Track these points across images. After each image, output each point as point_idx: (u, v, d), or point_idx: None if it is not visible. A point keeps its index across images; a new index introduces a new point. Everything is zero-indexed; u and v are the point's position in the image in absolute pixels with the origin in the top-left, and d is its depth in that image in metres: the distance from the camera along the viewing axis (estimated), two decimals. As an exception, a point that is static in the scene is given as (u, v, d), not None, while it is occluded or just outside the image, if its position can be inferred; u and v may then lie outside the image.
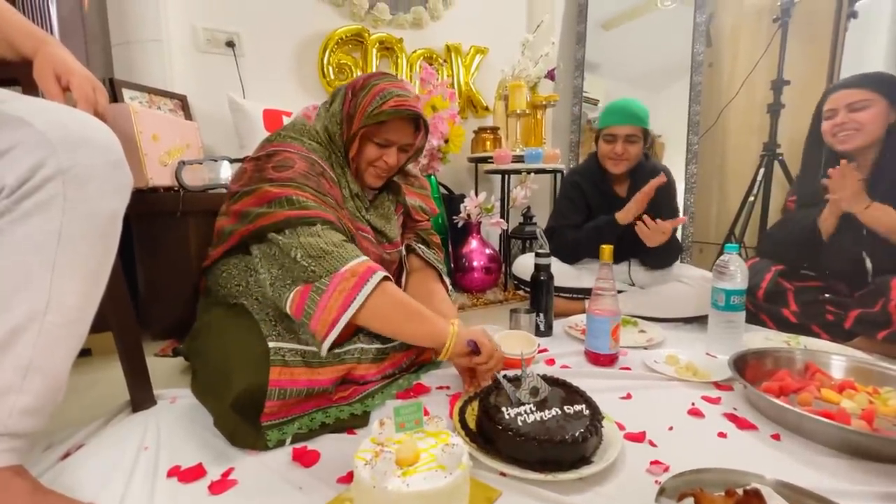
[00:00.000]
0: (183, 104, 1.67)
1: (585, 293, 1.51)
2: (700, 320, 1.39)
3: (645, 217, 1.37)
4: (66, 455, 0.73)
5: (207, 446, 0.76)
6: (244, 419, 0.74)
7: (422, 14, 2.11)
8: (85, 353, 1.19)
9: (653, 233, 1.36)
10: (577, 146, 2.44)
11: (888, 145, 1.24)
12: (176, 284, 1.29)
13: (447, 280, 1.13)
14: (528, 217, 2.03)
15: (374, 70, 2.01)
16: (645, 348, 1.21)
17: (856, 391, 0.89)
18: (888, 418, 0.82)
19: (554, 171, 2.01)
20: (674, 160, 2.20)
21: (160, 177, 1.24)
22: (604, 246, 1.12)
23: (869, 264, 1.22)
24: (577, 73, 2.43)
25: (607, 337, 1.09)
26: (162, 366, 1.16)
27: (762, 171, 1.89)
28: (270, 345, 0.78)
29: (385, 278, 0.82)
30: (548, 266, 1.32)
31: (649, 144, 1.52)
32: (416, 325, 0.85)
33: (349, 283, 0.77)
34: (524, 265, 1.61)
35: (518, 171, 1.95)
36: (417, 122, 0.97)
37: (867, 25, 1.85)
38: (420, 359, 1.05)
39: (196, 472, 0.68)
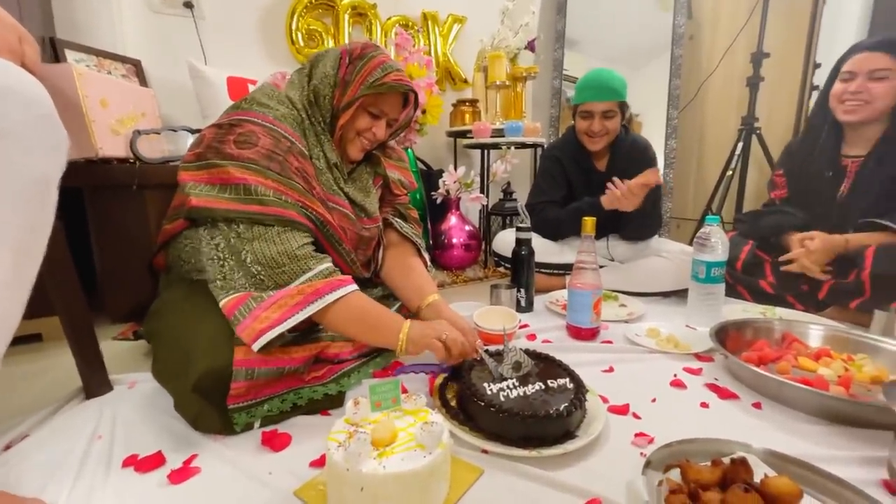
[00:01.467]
0: (137, 70, 1.54)
1: (566, 269, 1.49)
2: (679, 294, 1.39)
3: (615, 180, 1.32)
4: (8, 447, 0.67)
5: (168, 433, 0.70)
6: (208, 402, 0.68)
7: (396, -21, 2.00)
8: (35, 338, 1.11)
9: (625, 196, 1.30)
10: (556, 121, 2.40)
11: (894, 125, 1.18)
12: (135, 263, 1.20)
13: (426, 255, 1.09)
14: (508, 193, 1.99)
15: (346, 39, 1.90)
16: (626, 322, 1.20)
17: (832, 359, 0.90)
18: (863, 384, 0.83)
19: (535, 146, 1.97)
20: (653, 135, 2.18)
21: (112, 147, 1.14)
22: (586, 218, 1.10)
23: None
24: (557, 45, 2.36)
25: (589, 311, 1.07)
26: (122, 349, 1.09)
27: (740, 145, 1.89)
28: (236, 323, 0.72)
29: (339, 297, 0.75)
30: (529, 240, 1.29)
31: (627, 117, 1.49)
32: (367, 334, 0.81)
33: (292, 300, 0.71)
34: (505, 241, 1.58)
35: (498, 146, 1.90)
36: (406, 99, 0.94)
37: (844, 1, 1.85)
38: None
39: (155, 461, 0.63)
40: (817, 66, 1.86)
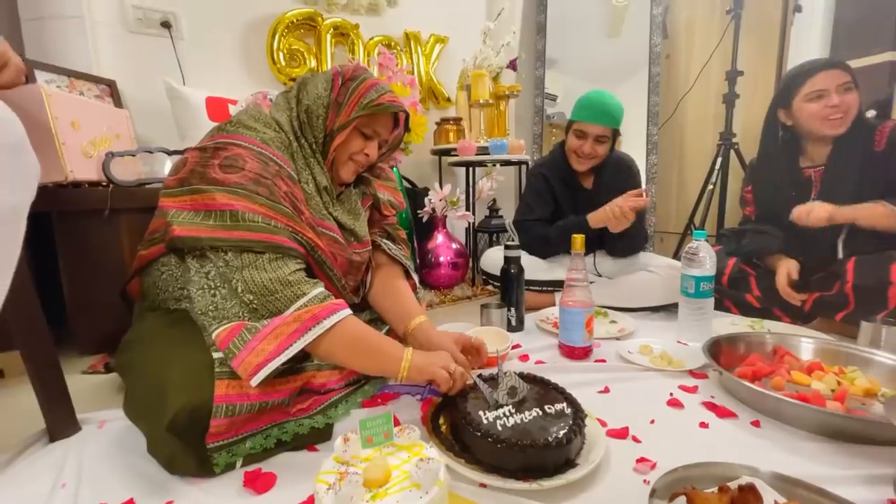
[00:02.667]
0: (112, 90, 1.49)
1: (556, 286, 1.48)
2: (668, 308, 1.39)
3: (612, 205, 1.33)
4: (-40, 501, 0.60)
5: (140, 477, 0.65)
6: (184, 442, 0.64)
7: (378, -1, 2.01)
8: (-5, 374, 1.03)
9: (618, 218, 1.30)
10: (540, 138, 2.43)
11: (851, 136, 1.22)
12: (107, 291, 1.14)
13: (415, 277, 1.06)
14: (494, 210, 1.99)
15: (328, 58, 1.90)
16: (617, 339, 1.19)
17: (824, 372, 0.90)
18: (857, 398, 0.83)
19: (519, 163, 1.98)
20: (634, 151, 2.22)
21: (84, 170, 1.09)
22: (576, 235, 1.09)
23: (840, 251, 1.19)
24: (538, 63, 2.41)
25: (581, 329, 1.06)
26: (93, 384, 1.03)
27: (719, 160, 1.93)
28: (216, 356, 0.68)
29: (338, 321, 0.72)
30: (518, 258, 1.27)
31: (617, 143, 1.51)
32: (365, 362, 0.77)
33: (289, 328, 0.68)
34: (492, 259, 1.56)
35: (483, 164, 1.90)
36: (396, 120, 0.95)
37: (810, 19, 1.93)
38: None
39: (125, 510, 0.58)
40: (788, 82, 1.93)
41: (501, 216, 1.97)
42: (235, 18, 1.76)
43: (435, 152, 2.08)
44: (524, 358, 1.09)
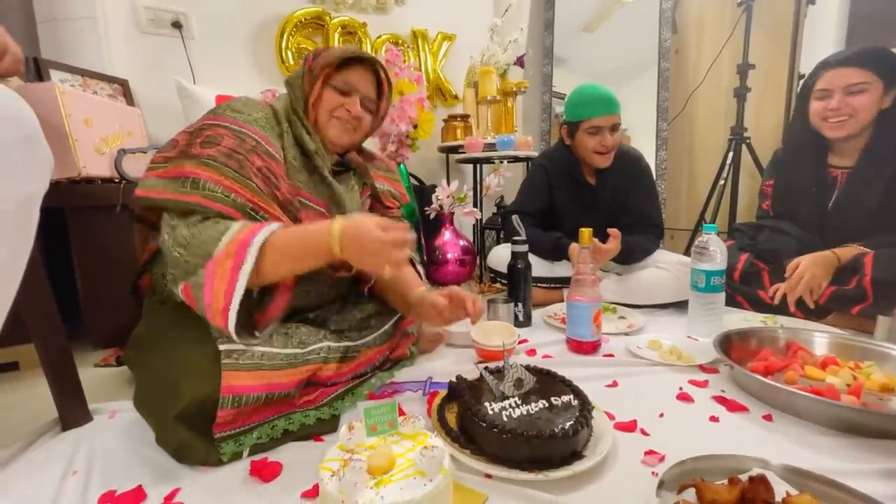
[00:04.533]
0: (124, 89, 1.52)
1: (563, 282, 1.47)
2: (677, 305, 1.37)
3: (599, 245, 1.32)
4: (-25, 486, 0.62)
5: (150, 465, 0.66)
6: (193, 432, 0.64)
7: (386, -2, 2.02)
8: (11, 366, 1.06)
9: (600, 255, 1.32)
10: (548, 135, 2.41)
11: (879, 134, 1.18)
12: (119, 286, 1.16)
13: (420, 268, 1.06)
14: (501, 207, 1.98)
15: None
16: (626, 334, 1.18)
17: (839, 367, 0.88)
18: (874, 392, 0.81)
19: (527, 159, 1.97)
20: (644, 147, 2.19)
21: (97, 166, 1.11)
22: (583, 229, 1.08)
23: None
24: (545, 60, 2.39)
25: (589, 324, 1.05)
26: (105, 376, 1.04)
27: (731, 154, 1.90)
28: (221, 347, 0.69)
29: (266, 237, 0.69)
30: (525, 253, 1.27)
31: (625, 138, 1.50)
32: (304, 258, 0.72)
33: (227, 263, 0.67)
34: (500, 256, 1.55)
35: (490, 160, 1.89)
36: (379, 81, 0.95)
37: (824, 11, 1.89)
38: (394, 355, 0.98)
39: (134, 497, 0.59)
40: (802, 76, 1.89)
41: (509, 213, 1.97)
42: (244, 18, 1.78)
43: (442, 149, 2.08)
44: (531, 352, 1.08)
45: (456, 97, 2.23)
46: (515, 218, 1.37)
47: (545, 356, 1.05)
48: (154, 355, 0.74)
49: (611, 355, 1.04)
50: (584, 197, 1.50)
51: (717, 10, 2.16)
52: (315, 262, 0.74)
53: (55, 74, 1.31)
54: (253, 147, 0.77)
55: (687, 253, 1.83)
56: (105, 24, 1.47)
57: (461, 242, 1.80)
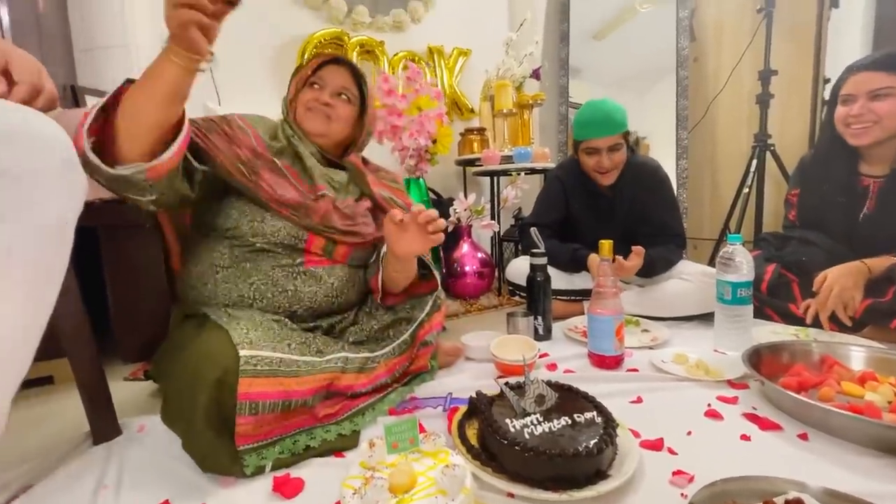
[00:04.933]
0: (154, 113, 1.58)
1: (583, 294, 1.45)
2: (702, 318, 1.34)
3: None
4: (12, 500, 0.64)
5: (176, 479, 0.67)
6: (217, 438, 0.65)
7: (402, 17, 2.06)
8: (45, 380, 1.09)
9: (622, 272, 1.30)
10: (565, 146, 2.41)
11: None
12: (149, 302, 1.21)
13: (437, 274, 1.05)
14: (519, 219, 1.98)
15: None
16: (650, 348, 1.15)
17: (878, 383, 0.84)
18: (917, 410, 0.77)
19: (544, 171, 1.97)
20: (663, 156, 2.17)
21: (128, 187, 1.16)
22: (603, 241, 1.07)
23: None
24: (562, 72, 2.40)
25: (611, 337, 1.03)
26: (134, 390, 1.07)
27: (755, 162, 1.86)
28: (242, 353, 0.69)
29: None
30: (544, 266, 1.26)
31: (634, 141, 1.48)
32: (160, 97, 0.74)
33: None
34: (518, 269, 1.54)
35: (507, 172, 1.89)
36: (357, 77, 1.01)
37: (848, 14, 1.85)
38: (414, 366, 0.97)
39: (161, 512, 0.59)
40: (826, 80, 1.85)
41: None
42: (267, 41, 1.84)
43: (459, 162, 2.10)
44: (552, 367, 1.06)
45: (472, 111, 2.25)
46: (534, 230, 1.36)
47: (567, 371, 1.04)
48: (177, 366, 0.75)
49: (635, 370, 1.02)
50: (600, 207, 1.49)
51: (736, 18, 2.14)
52: (166, 81, 0.73)
53: (90, 100, 1.37)
54: (228, 121, 0.89)
55: (711, 263, 1.78)
56: (137, 52, 1.54)
57: (479, 255, 1.80)
